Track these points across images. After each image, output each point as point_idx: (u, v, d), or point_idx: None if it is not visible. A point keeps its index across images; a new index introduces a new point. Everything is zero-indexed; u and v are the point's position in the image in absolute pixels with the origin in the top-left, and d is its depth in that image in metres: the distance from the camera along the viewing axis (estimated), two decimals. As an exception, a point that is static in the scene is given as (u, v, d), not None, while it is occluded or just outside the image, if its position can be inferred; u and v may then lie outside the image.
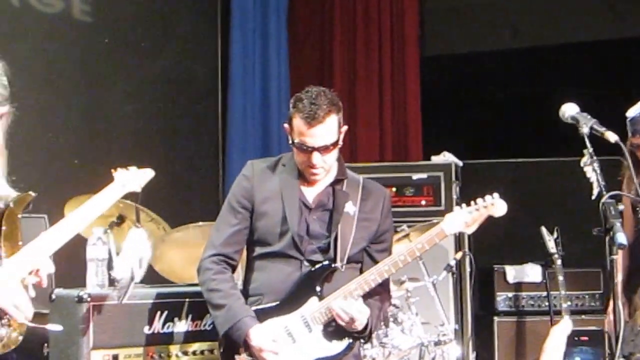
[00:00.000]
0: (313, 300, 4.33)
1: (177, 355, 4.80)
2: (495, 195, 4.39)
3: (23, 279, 3.75)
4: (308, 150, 4.29)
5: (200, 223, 5.44)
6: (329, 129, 4.27)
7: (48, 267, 3.81)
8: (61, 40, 7.16)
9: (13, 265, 3.73)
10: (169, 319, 4.79)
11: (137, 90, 7.53)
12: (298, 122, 4.27)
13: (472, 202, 4.39)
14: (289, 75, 8.44)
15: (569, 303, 6.34)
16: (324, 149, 4.29)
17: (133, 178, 4.35)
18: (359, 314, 4.27)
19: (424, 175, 7.30)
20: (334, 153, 4.36)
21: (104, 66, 7.39)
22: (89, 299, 4.55)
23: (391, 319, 5.63)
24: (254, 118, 8.27)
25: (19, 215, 3.84)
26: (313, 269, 4.36)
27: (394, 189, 7.18)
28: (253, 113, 8.27)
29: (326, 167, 4.37)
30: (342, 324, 4.28)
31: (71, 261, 4.39)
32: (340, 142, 4.38)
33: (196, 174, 7.65)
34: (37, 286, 3.84)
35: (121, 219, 5.16)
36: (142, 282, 4.69)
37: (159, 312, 4.76)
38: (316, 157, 4.30)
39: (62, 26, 7.19)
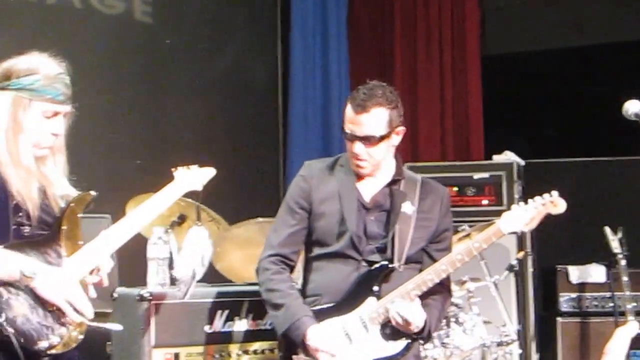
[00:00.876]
0: (371, 300, 4.31)
1: (237, 355, 4.82)
2: (554, 193, 4.33)
3: (83, 278, 3.78)
4: (350, 138, 4.29)
5: (260, 219, 5.45)
6: (374, 120, 4.26)
7: (108, 266, 3.84)
8: (122, 42, 7.23)
9: (73, 264, 3.76)
10: (229, 318, 4.81)
11: (198, 90, 7.58)
12: (347, 109, 4.29)
13: (530, 200, 4.34)
14: (350, 74, 8.43)
15: (634, 304, 6.26)
16: (367, 140, 4.27)
17: (194, 177, 4.35)
18: (414, 317, 4.24)
19: (485, 175, 7.25)
20: (381, 148, 4.33)
21: (165, 67, 7.45)
22: (150, 298, 4.59)
23: (452, 319, 5.60)
24: (315, 117, 8.27)
25: (80, 215, 3.86)
26: (371, 269, 4.34)
27: (455, 189, 7.14)
28: (314, 112, 8.27)
29: (371, 161, 4.35)
30: (398, 326, 4.27)
31: (132, 260, 4.42)
32: (393, 140, 4.36)
33: (257, 174, 7.68)
34: (98, 285, 3.87)
35: (182, 219, 5.19)
36: (202, 280, 4.71)
37: (219, 311, 4.78)
38: (358, 147, 4.29)
39: (123, 27, 7.26)
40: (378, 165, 4.40)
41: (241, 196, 6.80)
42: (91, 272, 3.80)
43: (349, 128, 4.28)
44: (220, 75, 7.69)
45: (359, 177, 4.42)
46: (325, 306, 4.34)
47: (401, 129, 4.38)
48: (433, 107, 8.42)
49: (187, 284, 4.42)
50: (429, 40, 8.48)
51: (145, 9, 7.37)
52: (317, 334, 4.24)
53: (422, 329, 4.30)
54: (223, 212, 5.21)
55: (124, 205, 5.30)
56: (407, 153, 7.63)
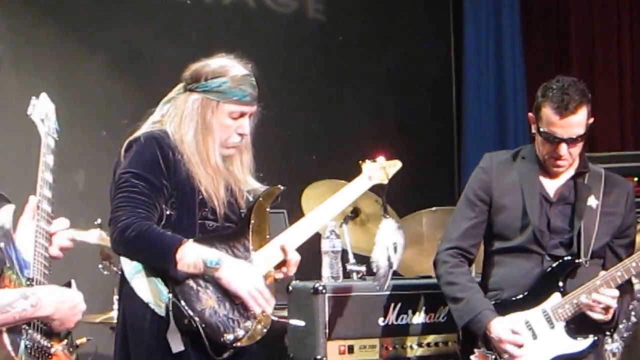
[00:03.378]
0: (556, 295, 4.25)
1: (412, 347, 4.82)
2: None
3: (269, 272, 3.87)
4: (555, 141, 4.21)
5: (434, 208, 5.43)
6: (579, 121, 4.18)
7: (296, 257, 3.90)
8: (296, 40, 7.35)
9: (261, 258, 3.85)
10: (403, 311, 4.81)
11: (371, 85, 7.62)
12: (548, 111, 4.19)
13: None
14: (524, 63, 8.31)
15: None
16: (572, 141, 4.20)
17: (381, 169, 4.37)
18: (613, 300, 4.15)
19: (668, 164, 7.05)
20: (580, 145, 4.27)
21: (338, 63, 7.52)
22: (324, 291, 4.64)
23: (632, 314, 5.45)
24: (489, 108, 8.18)
25: (267, 209, 3.95)
26: (555, 264, 4.28)
27: (635, 179, 6.95)
28: (488, 103, 8.18)
29: (570, 159, 4.29)
30: (594, 315, 4.18)
31: (307, 254, 4.47)
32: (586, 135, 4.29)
33: (432, 166, 7.67)
34: (283, 280, 3.96)
35: (356, 212, 5.23)
36: (373, 274, 4.72)
37: (393, 304, 4.79)
38: (563, 149, 4.21)
39: (296, 26, 7.38)
40: (573, 162, 4.36)
41: (416, 189, 6.80)
42: (277, 267, 3.89)
43: (551, 131, 4.20)
44: (393, 69, 7.71)
45: (542, 169, 4.37)
46: (507, 300, 4.31)
47: (591, 120, 4.31)
48: (611, 96, 8.19)
49: (384, 276, 4.42)
50: (605, 28, 8.25)
51: (317, 7, 7.46)
52: (501, 327, 4.20)
53: (610, 321, 4.21)
54: (397, 204, 5.22)
55: (299, 201, 5.39)
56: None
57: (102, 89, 6.76)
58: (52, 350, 2.80)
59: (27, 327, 2.72)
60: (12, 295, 2.65)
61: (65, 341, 2.89)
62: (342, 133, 7.47)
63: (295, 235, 3.99)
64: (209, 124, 3.80)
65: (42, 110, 3.10)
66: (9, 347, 2.65)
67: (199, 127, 3.80)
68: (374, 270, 4.45)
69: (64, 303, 2.78)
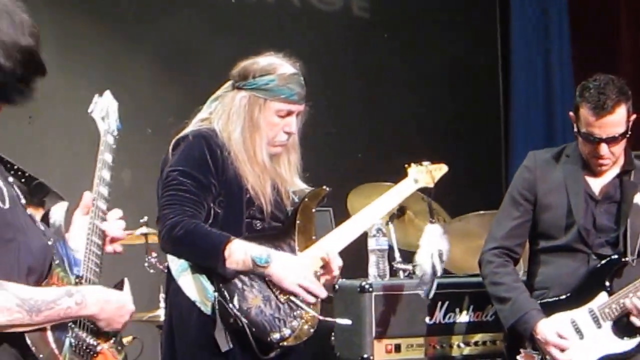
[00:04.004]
0: (602, 295, 4.21)
1: (459, 346, 4.79)
2: None
3: (315, 272, 3.86)
4: (595, 141, 4.18)
5: (482, 212, 5.41)
6: (617, 120, 4.15)
7: (338, 262, 3.90)
8: (341, 37, 7.34)
9: (306, 259, 3.85)
10: (450, 310, 4.79)
11: (416, 83, 7.59)
12: (585, 112, 4.16)
13: None
14: (572, 59, 8.23)
15: None
16: (612, 140, 4.16)
17: (427, 173, 4.36)
18: None
19: None
20: (622, 144, 4.23)
21: (384, 61, 7.50)
22: (371, 290, 4.63)
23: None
24: (537, 106, 8.11)
25: (313, 210, 3.95)
26: (601, 263, 4.24)
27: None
28: (536, 101, 8.11)
29: (613, 158, 4.24)
30: (637, 321, 4.14)
31: (353, 252, 4.46)
32: (629, 132, 4.24)
33: (479, 165, 7.63)
34: (329, 281, 3.95)
35: (402, 211, 5.22)
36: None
37: (439, 303, 4.76)
38: (603, 149, 4.18)
39: (341, 23, 7.38)
40: (617, 160, 4.31)
41: (463, 189, 6.77)
42: (323, 267, 3.89)
43: (589, 131, 4.17)
44: (439, 67, 7.67)
45: (587, 167, 4.33)
46: (553, 300, 4.27)
47: (633, 117, 4.27)
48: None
49: (428, 282, 4.41)
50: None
51: (362, 4, 7.46)
52: (547, 328, 4.18)
53: None
54: (445, 204, 5.21)
55: (345, 200, 5.38)
56: (631, 141, 7.38)
57: (147, 87, 6.80)
58: (98, 348, 2.77)
59: (73, 325, 2.71)
60: (57, 293, 2.63)
61: (112, 340, 2.86)
62: (387, 132, 7.46)
63: (340, 238, 3.99)
64: (256, 121, 3.81)
65: (103, 107, 3.10)
66: (53, 345, 2.63)
67: (246, 124, 3.81)
68: (418, 273, 4.44)
69: (110, 303, 2.76)
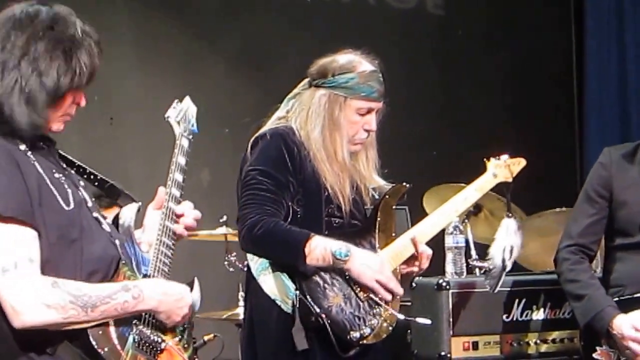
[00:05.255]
0: (680, 292, 4.18)
1: (535, 343, 4.77)
2: None
3: (395, 269, 3.89)
4: None
5: (558, 209, 5.39)
6: None
7: (428, 251, 3.94)
8: (415, 35, 7.35)
9: (387, 255, 3.87)
10: (526, 307, 4.77)
11: (491, 80, 7.57)
12: None
13: None
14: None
15: None
16: None
17: (505, 167, 4.35)
18: None
19: None
20: None
21: (458, 58, 7.50)
22: (448, 287, 4.64)
23: None
24: (611, 104, 8.03)
25: (394, 207, 3.97)
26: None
27: None
28: (610, 98, 8.02)
29: None
30: None
31: (430, 249, 4.47)
32: None
33: (553, 162, 7.58)
34: (407, 277, 3.99)
35: (478, 208, 5.22)
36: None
37: (516, 300, 4.74)
38: None
39: (416, 21, 7.39)
40: None
41: (538, 186, 6.74)
42: (406, 262, 3.91)
43: None
44: (513, 64, 7.64)
45: (663, 163, 4.30)
46: (629, 297, 4.24)
47: None
48: None
49: (496, 277, 4.42)
50: None
51: (437, 2, 7.46)
52: (624, 323, 4.14)
53: None
54: (520, 201, 5.20)
55: (420, 197, 5.40)
56: None
57: (224, 87, 6.88)
58: (163, 345, 2.79)
59: (137, 322, 2.74)
60: (113, 287, 2.67)
61: (179, 337, 2.88)
62: (462, 129, 7.45)
63: (421, 233, 4.00)
64: (337, 120, 3.82)
65: (181, 112, 3.15)
66: (115, 341, 2.67)
67: (326, 123, 3.82)
68: (489, 266, 4.44)
69: (168, 295, 2.78)
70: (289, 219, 3.78)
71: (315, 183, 3.81)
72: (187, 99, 3.24)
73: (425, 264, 3.94)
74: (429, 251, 3.94)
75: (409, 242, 3.91)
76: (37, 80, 2.66)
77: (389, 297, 3.73)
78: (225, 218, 5.47)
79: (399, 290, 3.77)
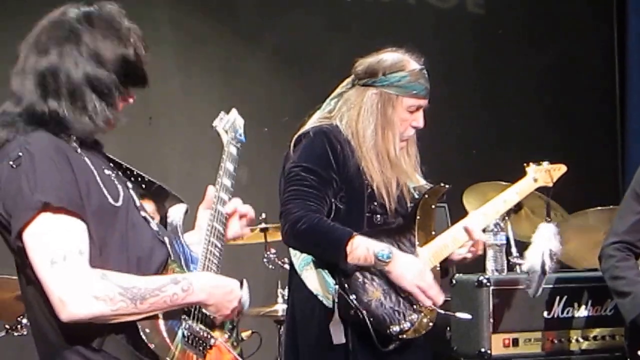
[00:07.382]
0: None
1: (577, 340, 4.75)
2: None
3: (435, 267, 3.89)
4: None
5: (600, 208, 5.36)
6: None
7: (483, 237, 3.97)
8: (455, 34, 7.34)
9: (427, 253, 3.88)
10: (568, 304, 4.74)
11: (531, 79, 7.54)
12: None
13: None
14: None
15: None
16: None
17: (546, 173, 4.35)
18: None
19: None
20: None
21: (498, 57, 7.48)
22: (488, 284, 4.62)
23: None
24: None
25: (433, 206, 3.97)
26: None
27: None
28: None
29: None
30: None
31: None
32: None
33: (594, 160, 7.53)
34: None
35: (518, 206, 5.20)
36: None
37: (558, 297, 4.72)
38: None
39: (456, 20, 7.38)
40: None
41: (579, 184, 6.71)
42: (442, 262, 3.91)
43: None
44: (554, 63, 7.59)
45: None
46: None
47: None
48: None
49: (536, 281, 4.40)
50: None
51: (477, 1, 7.44)
52: None
53: None
54: (562, 200, 5.18)
55: (460, 195, 5.39)
56: None
57: (263, 87, 6.90)
58: (212, 342, 2.78)
59: (186, 317, 2.72)
60: (162, 280, 2.66)
61: (228, 334, 2.87)
62: (502, 128, 7.43)
63: (461, 233, 3.99)
64: (390, 118, 3.84)
65: (228, 122, 3.22)
66: (165, 334, 2.65)
67: (379, 121, 3.84)
68: (526, 270, 4.43)
69: (218, 288, 2.76)
70: (332, 215, 3.79)
71: (359, 181, 3.82)
72: (234, 111, 3.30)
73: (481, 250, 3.96)
74: (485, 237, 3.95)
75: (450, 240, 3.92)
76: (109, 76, 2.70)
77: (428, 302, 3.72)
78: (264, 216, 5.49)
79: (439, 298, 3.76)
